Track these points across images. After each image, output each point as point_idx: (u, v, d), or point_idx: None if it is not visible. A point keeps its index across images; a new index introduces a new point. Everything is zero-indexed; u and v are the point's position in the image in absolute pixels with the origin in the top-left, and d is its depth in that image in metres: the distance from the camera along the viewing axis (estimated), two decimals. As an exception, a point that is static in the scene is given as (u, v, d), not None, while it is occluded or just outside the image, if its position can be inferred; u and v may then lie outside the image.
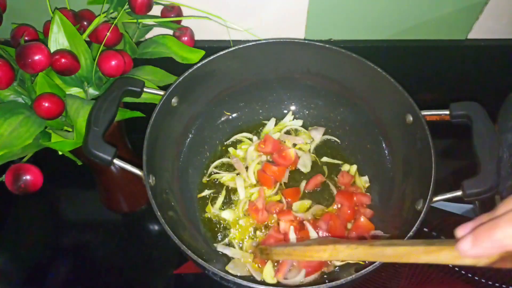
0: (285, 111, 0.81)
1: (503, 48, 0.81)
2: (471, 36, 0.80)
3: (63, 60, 0.58)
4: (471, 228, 0.28)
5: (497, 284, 0.67)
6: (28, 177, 0.56)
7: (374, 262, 0.51)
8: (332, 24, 0.77)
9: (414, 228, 0.54)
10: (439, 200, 0.56)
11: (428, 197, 0.55)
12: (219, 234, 0.70)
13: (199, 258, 0.52)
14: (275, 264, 0.64)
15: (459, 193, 0.55)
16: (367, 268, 0.51)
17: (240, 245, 0.68)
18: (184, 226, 0.65)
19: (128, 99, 0.63)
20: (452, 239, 0.28)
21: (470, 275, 0.68)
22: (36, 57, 0.55)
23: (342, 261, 0.61)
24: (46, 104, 0.56)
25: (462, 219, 0.73)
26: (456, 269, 0.69)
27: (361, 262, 0.57)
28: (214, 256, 0.66)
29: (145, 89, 0.62)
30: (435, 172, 0.57)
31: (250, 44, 0.69)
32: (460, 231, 0.28)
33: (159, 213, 0.54)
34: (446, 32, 0.79)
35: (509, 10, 0.75)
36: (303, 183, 0.74)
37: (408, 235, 0.53)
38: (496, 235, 0.25)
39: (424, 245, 0.29)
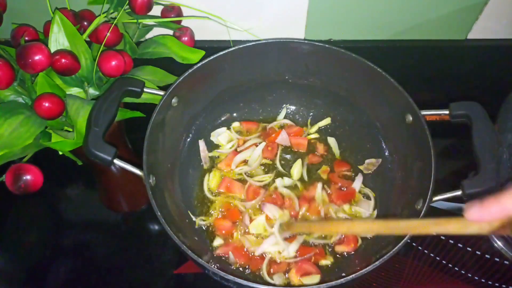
0: (284, 111, 0.81)
1: (503, 48, 0.81)
2: (471, 36, 0.80)
3: (63, 60, 0.58)
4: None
5: (497, 284, 0.67)
6: (28, 177, 0.56)
7: (373, 263, 0.51)
8: (332, 24, 0.77)
9: (414, 228, 0.54)
10: (439, 199, 0.56)
11: (428, 196, 0.55)
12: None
13: (199, 258, 0.52)
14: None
15: (459, 192, 0.55)
16: (367, 268, 0.51)
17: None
18: (184, 225, 0.65)
19: (128, 99, 0.63)
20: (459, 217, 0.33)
21: (469, 275, 0.68)
22: (36, 57, 0.55)
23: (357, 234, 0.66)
24: (47, 104, 0.56)
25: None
26: (456, 269, 0.69)
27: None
28: (214, 256, 0.66)
29: (145, 89, 0.62)
30: (435, 171, 0.57)
31: (250, 44, 0.69)
32: (468, 204, 0.32)
33: (159, 213, 0.54)
34: (446, 32, 0.79)
35: (509, 10, 0.75)
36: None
37: (408, 234, 0.53)
38: (502, 200, 0.29)
39: (433, 220, 0.34)
